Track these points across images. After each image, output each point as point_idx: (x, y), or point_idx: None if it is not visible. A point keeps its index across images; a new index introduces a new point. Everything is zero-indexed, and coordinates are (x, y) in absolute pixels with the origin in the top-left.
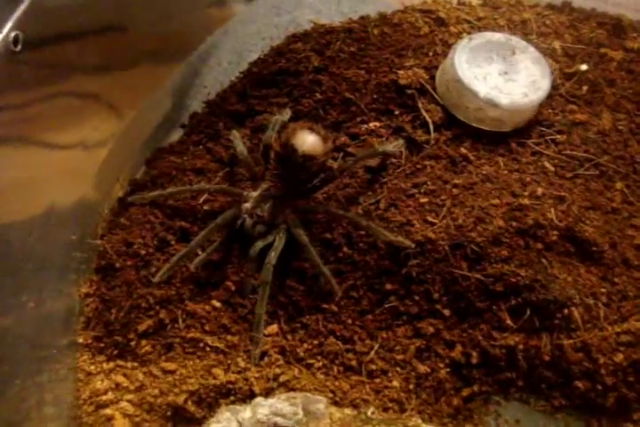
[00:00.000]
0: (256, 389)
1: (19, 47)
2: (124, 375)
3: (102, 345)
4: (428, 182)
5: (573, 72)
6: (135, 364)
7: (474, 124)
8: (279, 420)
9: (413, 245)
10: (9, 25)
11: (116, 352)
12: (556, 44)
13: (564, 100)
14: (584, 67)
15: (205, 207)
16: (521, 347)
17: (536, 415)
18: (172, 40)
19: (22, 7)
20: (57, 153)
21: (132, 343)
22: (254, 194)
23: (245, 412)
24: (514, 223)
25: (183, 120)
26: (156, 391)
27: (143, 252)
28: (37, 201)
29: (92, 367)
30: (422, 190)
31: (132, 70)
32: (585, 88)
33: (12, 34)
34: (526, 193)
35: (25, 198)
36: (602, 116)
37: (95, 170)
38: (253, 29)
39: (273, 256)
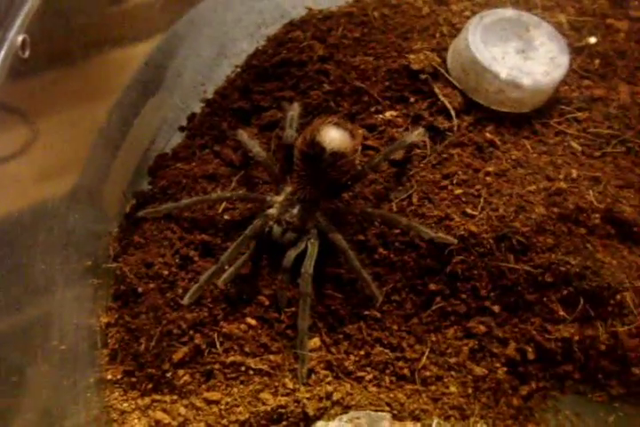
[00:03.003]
0: (309, 410)
1: (27, 53)
2: (164, 411)
3: (134, 380)
4: (459, 172)
5: (583, 46)
6: (174, 397)
7: (493, 107)
8: None
9: (456, 241)
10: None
11: (150, 386)
12: (562, 18)
13: (578, 76)
14: (593, 40)
15: (226, 217)
16: (576, 338)
17: (595, 406)
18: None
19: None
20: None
21: (168, 375)
22: (279, 199)
23: None
24: (555, 209)
25: (181, 122)
26: (203, 425)
27: (166, 272)
28: (44, 227)
29: (126, 405)
30: (454, 181)
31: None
32: (597, 62)
33: (19, 38)
34: (561, 176)
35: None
36: (619, 90)
37: (96, 185)
38: (232, 17)
39: (309, 265)
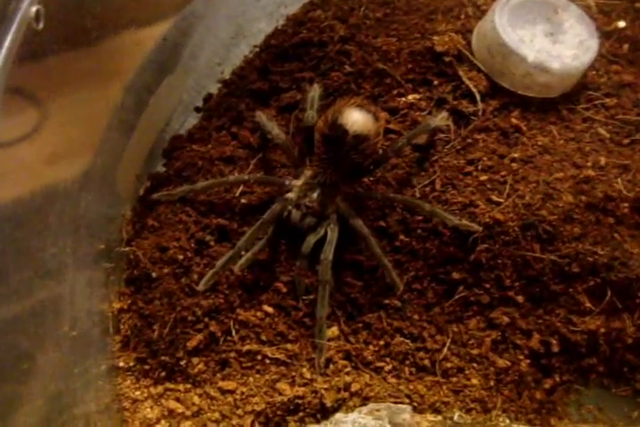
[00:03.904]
0: (327, 401)
1: (40, 25)
2: (177, 400)
3: (147, 367)
4: (484, 158)
5: (612, 30)
6: (188, 385)
7: (519, 92)
8: None
9: (481, 229)
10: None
11: (163, 374)
12: (591, 1)
13: (607, 61)
14: (622, 23)
15: (243, 200)
16: (602, 330)
17: (618, 401)
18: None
19: None
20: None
21: (182, 363)
22: (298, 182)
23: None
24: (583, 197)
25: (196, 103)
26: (217, 415)
27: (181, 257)
28: (55, 210)
29: (138, 393)
30: (479, 167)
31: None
32: (626, 46)
33: (33, 9)
34: (589, 164)
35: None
36: None
37: (110, 167)
38: None
39: (329, 251)
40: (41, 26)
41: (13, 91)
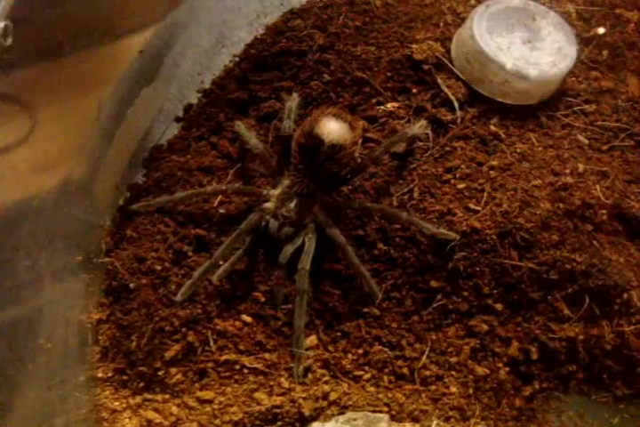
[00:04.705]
0: (305, 410)
1: (9, 40)
2: (155, 410)
3: (125, 378)
4: (462, 166)
5: (591, 36)
6: (166, 396)
7: (498, 99)
8: None
9: (458, 237)
10: None
11: (142, 385)
12: (570, 8)
13: (586, 67)
14: (601, 30)
15: (221, 211)
16: (581, 337)
17: (599, 407)
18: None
19: None
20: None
21: (160, 373)
22: (276, 192)
23: None
24: (561, 205)
25: (177, 112)
26: (195, 425)
27: (158, 267)
28: (28, 223)
29: (117, 404)
30: (457, 175)
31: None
32: (605, 53)
33: (0, 25)
34: (567, 171)
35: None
36: (628, 82)
37: (88, 177)
38: (232, 4)
39: (306, 261)
40: (9, 41)
41: None
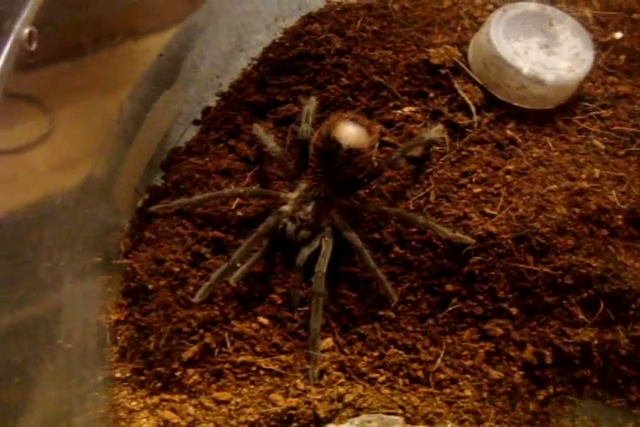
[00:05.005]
0: (320, 412)
1: (34, 46)
2: (173, 410)
3: (143, 378)
4: (478, 170)
5: (608, 41)
6: (183, 396)
7: (515, 104)
8: None
9: (474, 241)
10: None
11: (159, 385)
12: (587, 12)
13: (603, 72)
14: (619, 35)
15: (239, 213)
16: (596, 342)
17: (613, 412)
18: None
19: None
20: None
21: (178, 373)
22: (293, 195)
23: None
24: (577, 210)
25: (196, 115)
26: (212, 425)
27: (177, 269)
28: (50, 224)
29: (134, 404)
30: (473, 179)
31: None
32: (622, 58)
33: (26, 30)
34: (583, 176)
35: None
36: None
37: (108, 179)
38: (250, 8)
39: (323, 264)
40: (34, 47)
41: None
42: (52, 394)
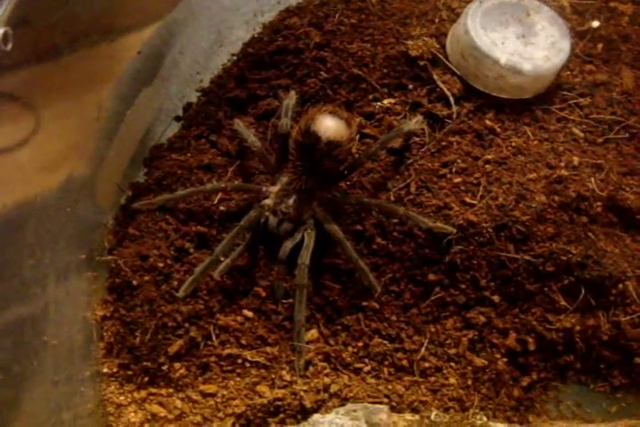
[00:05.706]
0: (306, 403)
1: (9, 46)
2: (160, 404)
3: (130, 373)
4: (458, 160)
5: (586, 30)
6: (170, 390)
7: (494, 94)
8: None
9: (455, 231)
10: None
11: (146, 379)
12: (564, 2)
13: (581, 61)
14: (596, 23)
15: (221, 208)
16: (578, 328)
17: (596, 396)
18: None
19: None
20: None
21: (164, 368)
22: (275, 189)
23: None
24: (556, 197)
25: (177, 112)
26: (199, 418)
27: (161, 264)
28: (32, 222)
29: (122, 398)
30: (453, 169)
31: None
32: (600, 46)
33: (0, 31)
34: (562, 164)
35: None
36: (622, 75)
37: (90, 176)
38: (229, 4)
39: (305, 256)
40: (9, 47)
41: None
42: (39, 391)
